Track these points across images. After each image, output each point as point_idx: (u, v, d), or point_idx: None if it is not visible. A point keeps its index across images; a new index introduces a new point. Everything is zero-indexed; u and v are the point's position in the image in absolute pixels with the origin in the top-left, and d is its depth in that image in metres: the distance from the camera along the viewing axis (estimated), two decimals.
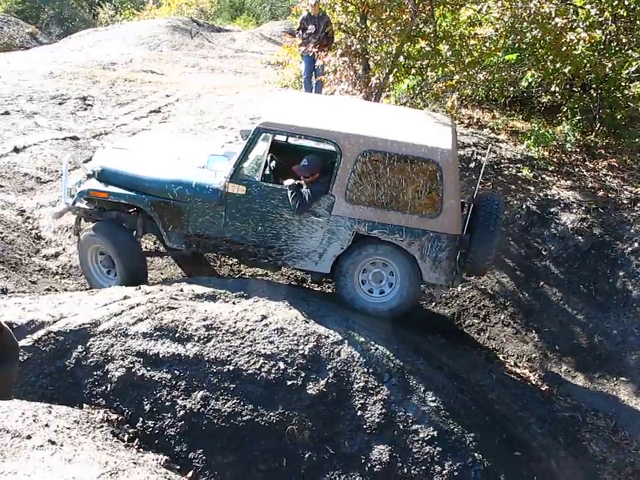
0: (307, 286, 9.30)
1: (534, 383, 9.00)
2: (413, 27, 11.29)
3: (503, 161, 12.11)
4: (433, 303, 9.64)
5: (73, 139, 12.52)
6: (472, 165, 11.63)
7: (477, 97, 14.10)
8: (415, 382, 7.03)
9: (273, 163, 8.44)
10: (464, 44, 11.54)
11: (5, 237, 9.24)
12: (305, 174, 7.78)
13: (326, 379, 6.82)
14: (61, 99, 14.49)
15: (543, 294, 10.06)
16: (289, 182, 7.79)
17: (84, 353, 6.68)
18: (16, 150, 11.75)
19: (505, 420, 7.53)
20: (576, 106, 13.60)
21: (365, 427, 6.67)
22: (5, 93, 14.27)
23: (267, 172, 8.20)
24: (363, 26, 11.74)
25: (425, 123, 8.58)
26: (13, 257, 8.97)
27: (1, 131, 12.47)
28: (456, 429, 6.82)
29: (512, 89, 13.66)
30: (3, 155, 11.59)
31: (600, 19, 12.15)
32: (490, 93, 13.42)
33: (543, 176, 11.82)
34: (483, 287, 9.96)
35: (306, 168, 7.79)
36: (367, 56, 12.12)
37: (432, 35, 11.58)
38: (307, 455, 6.48)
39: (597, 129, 13.57)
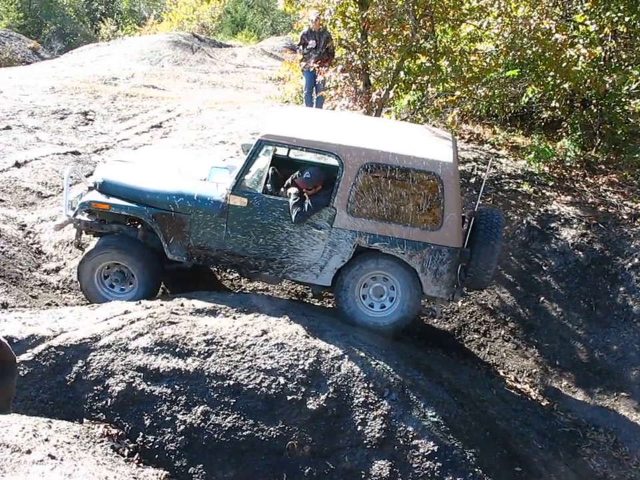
0: (308, 301, 9.31)
1: (534, 398, 8.99)
2: (414, 43, 11.34)
3: (503, 176, 12.13)
4: (434, 318, 9.62)
5: (74, 153, 12.55)
6: (472, 180, 11.65)
7: (478, 113, 14.13)
8: (415, 397, 7.02)
9: (275, 176, 8.45)
10: (464, 60, 11.59)
11: (6, 252, 9.24)
12: (307, 186, 7.81)
13: (326, 394, 6.82)
14: (63, 114, 14.54)
15: (544, 309, 10.05)
16: (293, 190, 7.82)
17: (84, 367, 6.68)
18: (17, 165, 11.78)
19: (506, 435, 7.52)
20: (576, 121, 13.63)
21: (365, 442, 6.66)
22: (6, 107, 14.32)
23: (269, 184, 8.21)
24: (364, 42, 11.79)
25: (426, 137, 8.63)
26: (13, 271, 8.97)
27: (3, 146, 12.51)
28: (456, 444, 6.81)
29: (512, 104, 13.69)
30: (5, 170, 11.61)
31: (600, 35, 12.21)
32: (490, 108, 13.44)
33: (544, 191, 11.84)
34: (483, 302, 9.96)
35: (308, 180, 7.82)
36: (367, 71, 12.17)
37: (432, 50, 11.64)
38: (307, 470, 6.48)
39: (597, 144, 13.59)
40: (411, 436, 6.74)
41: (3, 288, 8.36)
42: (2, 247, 9.27)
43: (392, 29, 11.34)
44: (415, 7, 11.02)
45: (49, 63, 24.14)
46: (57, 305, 8.52)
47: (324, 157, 8.28)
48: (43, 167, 11.82)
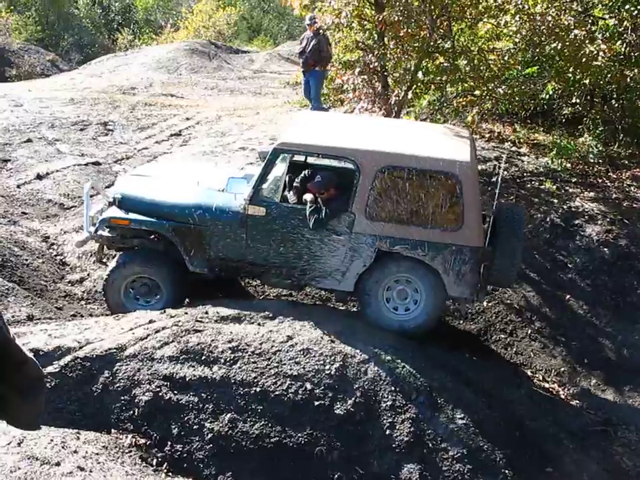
0: (332, 305, 9.26)
1: (563, 397, 8.90)
2: (431, 43, 11.29)
3: (525, 174, 12.04)
4: (459, 319, 9.56)
5: (94, 164, 12.60)
6: (493, 179, 11.57)
7: (498, 111, 14.04)
8: (443, 399, 6.98)
9: (293, 184, 8.42)
10: (483, 58, 11.51)
11: (30, 264, 9.29)
12: (319, 190, 7.78)
13: (353, 399, 6.79)
14: (82, 125, 14.60)
15: (570, 307, 9.95)
16: (308, 196, 7.79)
17: (111, 378, 6.69)
18: (39, 177, 11.85)
19: (536, 436, 7.44)
20: (597, 117, 13.53)
21: (393, 446, 6.63)
22: (26, 120, 14.40)
23: (287, 193, 8.18)
24: (381, 43, 11.75)
25: (443, 137, 8.56)
26: (38, 283, 9.02)
27: (24, 159, 12.58)
28: (486, 446, 6.76)
29: (532, 102, 13.59)
30: (27, 182, 11.69)
31: (619, 30, 12.09)
32: (510, 106, 13.34)
33: (566, 188, 11.73)
34: (509, 301, 9.87)
35: (319, 184, 7.79)
36: (385, 73, 12.12)
37: (450, 50, 11.57)
38: (336, 476, 6.45)
39: (619, 139, 13.47)
40: (439, 439, 6.70)
41: (28, 300, 8.39)
42: (26, 260, 9.32)
43: (409, 30, 11.29)
44: (432, 7, 10.97)
45: (67, 74, 24.28)
46: (82, 316, 8.55)
47: (342, 161, 8.23)
48: (65, 179, 11.88)
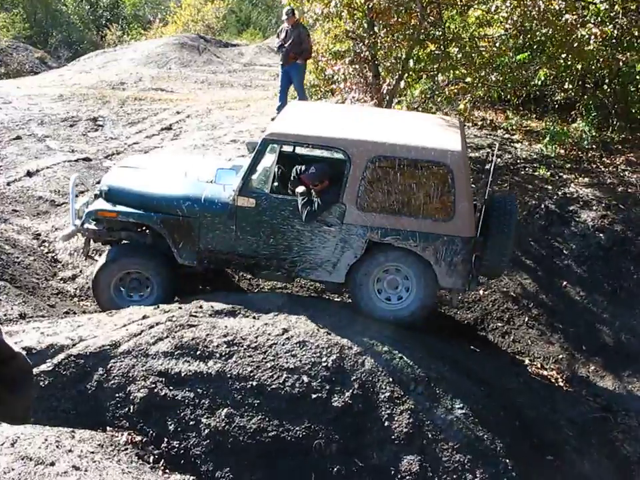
0: (328, 297, 9.19)
1: (562, 384, 8.86)
2: (422, 31, 11.21)
3: (518, 161, 11.97)
4: (456, 309, 9.50)
5: (85, 160, 12.49)
6: (486, 167, 11.51)
7: (490, 98, 13.97)
8: (441, 390, 6.93)
9: (282, 175, 8.34)
10: (474, 45, 11.45)
11: (22, 262, 9.20)
12: (313, 182, 7.68)
13: (351, 391, 6.74)
14: (72, 121, 14.48)
15: (567, 294, 9.90)
16: (300, 189, 7.69)
17: (105, 375, 6.63)
18: (29, 174, 11.74)
19: (535, 424, 7.41)
20: (590, 102, 13.44)
21: (393, 437, 6.58)
22: (16, 117, 14.28)
23: (276, 183, 8.09)
24: (371, 32, 11.66)
25: (433, 126, 8.49)
26: (30, 281, 8.92)
27: (14, 156, 12.47)
28: (485, 436, 6.72)
29: (524, 88, 13.52)
30: (17, 180, 11.58)
31: (611, 14, 12.00)
32: (502, 93, 13.27)
33: (560, 174, 11.67)
34: (505, 289, 9.82)
35: (314, 176, 7.70)
36: (376, 62, 12.05)
37: (441, 37, 11.49)
38: (335, 469, 6.40)
39: (612, 124, 13.40)
40: (439, 429, 6.66)
41: (20, 298, 8.30)
42: (17, 257, 9.23)
43: (399, 18, 11.21)
44: None
45: (56, 71, 24.12)
46: (74, 313, 8.47)
47: (332, 152, 8.15)
48: (55, 175, 11.77)
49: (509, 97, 13.66)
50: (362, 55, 11.89)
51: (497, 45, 11.44)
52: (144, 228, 8.28)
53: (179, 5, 35.97)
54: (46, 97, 16.07)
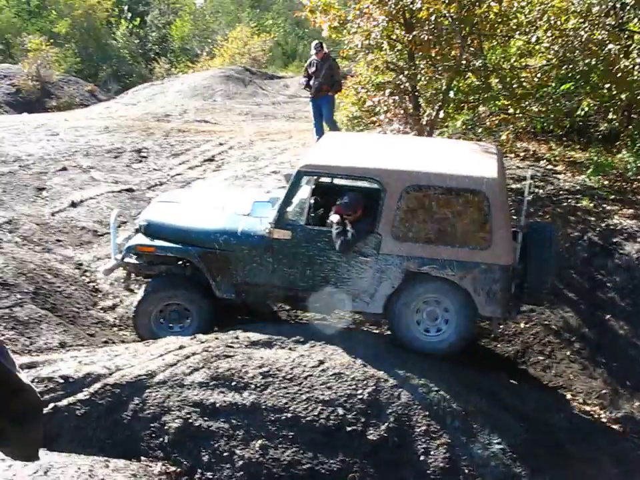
0: (365, 329, 9.13)
1: (605, 420, 8.65)
2: (462, 62, 11.20)
3: (561, 192, 11.82)
4: (496, 341, 9.37)
5: (128, 191, 12.65)
6: (529, 197, 11.39)
7: (533, 129, 13.87)
8: (478, 424, 6.81)
9: (318, 206, 8.34)
10: (515, 76, 11.39)
11: (63, 291, 9.30)
12: (347, 211, 7.66)
13: (386, 424, 6.66)
14: (116, 153, 14.69)
15: (610, 327, 9.70)
16: (334, 217, 7.68)
17: (140, 404, 6.63)
18: (73, 204, 11.92)
19: (577, 461, 7.22)
20: (635, 132, 13.27)
21: (428, 472, 6.47)
22: (62, 149, 14.52)
23: (312, 215, 8.09)
24: (411, 63, 11.68)
25: (470, 153, 8.45)
26: (71, 310, 9.01)
27: (59, 187, 12.66)
28: (524, 472, 6.59)
29: (568, 119, 13.39)
30: (61, 210, 11.75)
31: None
32: (545, 124, 13.16)
33: (604, 205, 11.49)
34: (546, 322, 9.66)
35: (347, 205, 7.68)
36: (416, 93, 12.05)
37: (482, 68, 11.46)
38: None
39: None
40: (476, 464, 6.53)
41: (60, 327, 8.40)
42: (59, 287, 9.33)
43: (439, 49, 11.22)
44: (462, 26, 10.88)
45: (104, 104, 24.58)
46: (113, 343, 8.52)
47: (367, 182, 8.14)
48: (98, 206, 11.93)
49: (551, 127, 13.53)
50: (402, 86, 11.90)
51: (539, 75, 11.37)
52: (183, 261, 8.33)
53: (226, 38, 36.44)
54: (92, 129, 16.33)
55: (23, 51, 34.54)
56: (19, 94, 30.28)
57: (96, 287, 9.92)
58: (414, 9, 10.92)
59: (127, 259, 8.30)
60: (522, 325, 9.51)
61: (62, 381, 6.67)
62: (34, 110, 25.19)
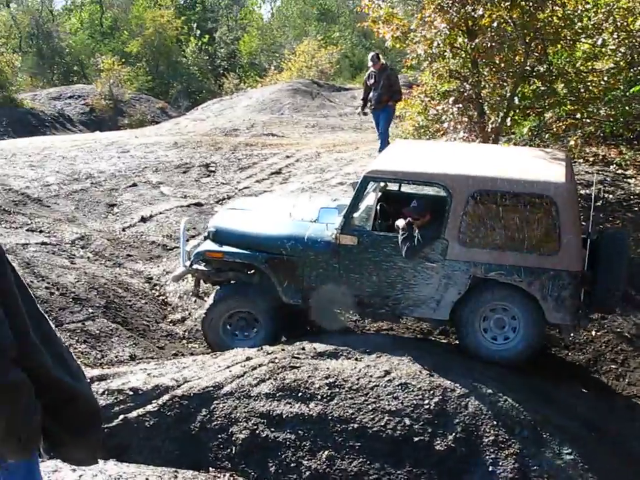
0: (433, 338, 9.08)
1: None
2: (527, 68, 11.07)
3: (632, 197, 11.58)
4: (567, 350, 9.21)
5: (196, 205, 12.86)
6: (598, 203, 11.18)
7: (602, 134, 13.61)
8: (548, 434, 6.68)
9: (384, 212, 8.34)
10: (581, 80, 11.21)
11: (134, 305, 9.50)
12: (415, 216, 7.65)
13: (454, 434, 6.58)
14: (185, 168, 14.95)
15: None
16: (401, 223, 7.68)
17: (208, 416, 6.70)
18: (143, 219, 12.18)
19: None
20: None
21: None
22: (132, 165, 14.86)
23: (378, 221, 8.10)
24: (475, 71, 11.60)
25: (537, 160, 8.36)
26: (141, 323, 9.20)
27: (130, 202, 12.96)
28: None
29: (638, 122, 13.11)
30: (132, 225, 12.02)
31: None
32: (615, 128, 12.91)
33: None
34: (619, 329, 9.45)
35: (416, 210, 7.68)
36: (480, 101, 11.96)
37: (546, 73, 11.32)
38: None
39: None
40: (546, 475, 6.40)
41: (131, 340, 8.58)
42: (129, 301, 9.54)
43: (503, 56, 11.12)
44: (525, 31, 10.76)
45: (173, 120, 25.02)
46: (183, 355, 8.65)
47: (433, 188, 8.13)
48: (167, 220, 12.15)
49: (621, 131, 13.27)
50: (466, 94, 11.82)
51: (606, 78, 11.17)
52: (251, 268, 8.42)
53: (293, 52, 36.77)
54: (161, 145, 16.65)
55: (97, 71, 35.53)
56: (92, 113, 31.16)
57: (165, 300, 10.10)
58: (476, 16, 10.86)
59: (195, 266, 8.42)
60: (593, 333, 9.33)
61: (131, 393, 6.80)
62: (106, 128, 25.84)
